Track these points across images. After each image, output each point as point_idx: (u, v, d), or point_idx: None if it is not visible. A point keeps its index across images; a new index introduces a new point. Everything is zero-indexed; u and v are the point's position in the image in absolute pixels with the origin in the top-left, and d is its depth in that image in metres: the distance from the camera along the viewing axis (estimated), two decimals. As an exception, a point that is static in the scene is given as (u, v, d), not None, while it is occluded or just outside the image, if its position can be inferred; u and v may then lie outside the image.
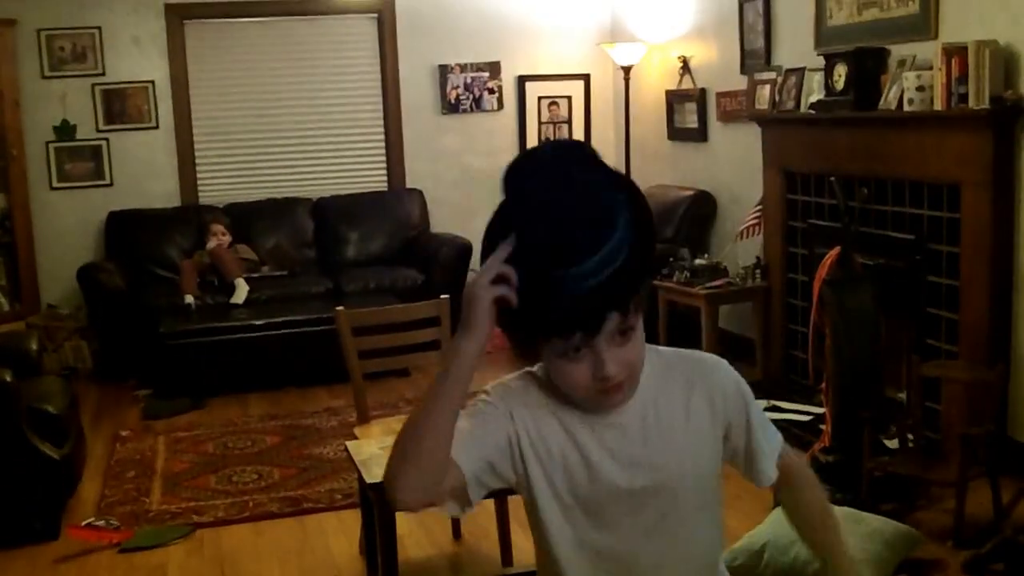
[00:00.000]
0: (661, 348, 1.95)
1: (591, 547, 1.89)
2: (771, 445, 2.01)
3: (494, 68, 8.62)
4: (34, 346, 5.47)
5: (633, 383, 1.84)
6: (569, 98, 8.77)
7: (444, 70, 8.53)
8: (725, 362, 1.97)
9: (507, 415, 1.85)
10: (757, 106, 6.66)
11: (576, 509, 1.87)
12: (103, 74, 7.94)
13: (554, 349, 1.79)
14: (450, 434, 1.74)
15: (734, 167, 7.21)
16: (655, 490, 1.88)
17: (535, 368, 1.91)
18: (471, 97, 8.62)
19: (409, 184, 8.54)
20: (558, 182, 1.74)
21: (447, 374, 1.74)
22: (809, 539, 2.15)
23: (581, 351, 1.76)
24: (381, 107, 8.53)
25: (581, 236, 1.70)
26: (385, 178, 8.60)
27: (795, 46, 6.42)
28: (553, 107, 8.75)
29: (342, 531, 4.61)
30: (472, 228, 8.43)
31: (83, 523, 4.78)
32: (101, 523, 4.77)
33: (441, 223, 8.42)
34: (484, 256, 1.76)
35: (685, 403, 1.90)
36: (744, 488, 4.78)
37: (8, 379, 4.54)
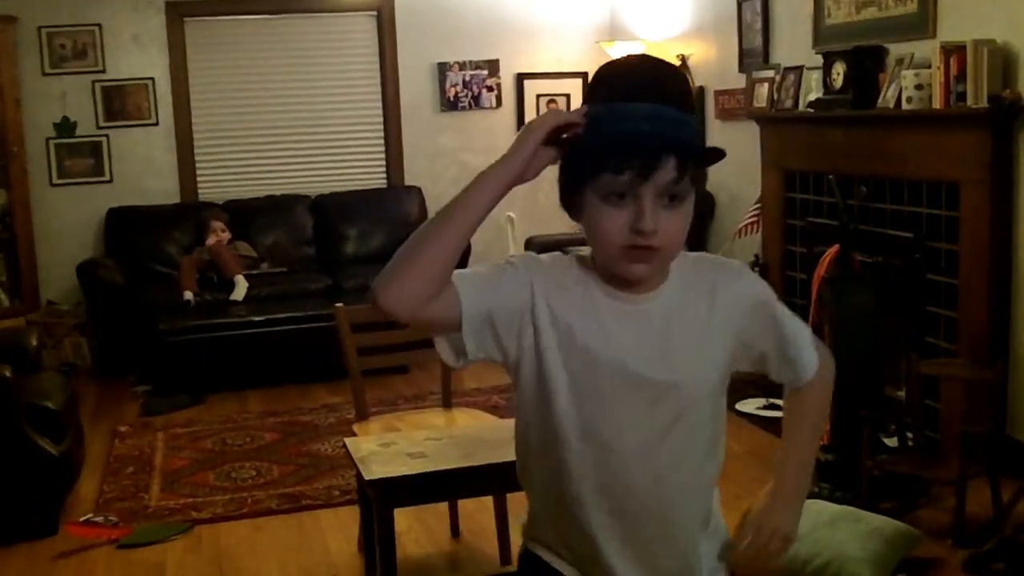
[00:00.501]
0: (687, 252, 1.93)
1: (596, 439, 1.84)
2: (804, 336, 2.00)
3: (493, 66, 8.62)
4: (34, 342, 5.47)
5: (664, 258, 1.82)
6: (568, 96, 8.76)
7: (443, 68, 8.53)
8: (747, 267, 2.00)
9: (527, 284, 1.82)
10: (755, 104, 6.66)
11: (589, 393, 1.82)
12: (103, 71, 7.94)
13: (599, 190, 1.77)
14: (454, 250, 1.73)
15: (732, 165, 7.17)
16: (673, 386, 1.84)
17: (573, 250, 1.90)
18: (470, 95, 8.62)
19: (408, 182, 8.54)
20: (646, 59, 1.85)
21: (468, 189, 1.77)
22: (787, 431, 2.12)
23: (626, 198, 1.75)
24: (380, 104, 8.53)
25: (658, 85, 1.75)
26: (384, 175, 8.60)
27: (793, 44, 6.42)
28: (552, 105, 8.74)
29: (340, 528, 4.62)
30: (471, 226, 8.45)
31: (81, 519, 4.78)
32: (100, 519, 4.78)
33: (440, 221, 8.41)
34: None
35: (710, 304, 1.89)
36: (744, 488, 4.82)
37: (7, 375, 4.54)
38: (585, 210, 1.81)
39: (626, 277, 1.81)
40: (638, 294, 1.84)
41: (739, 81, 6.99)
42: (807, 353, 2.01)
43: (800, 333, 2.00)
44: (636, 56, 1.87)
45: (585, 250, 1.88)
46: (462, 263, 1.78)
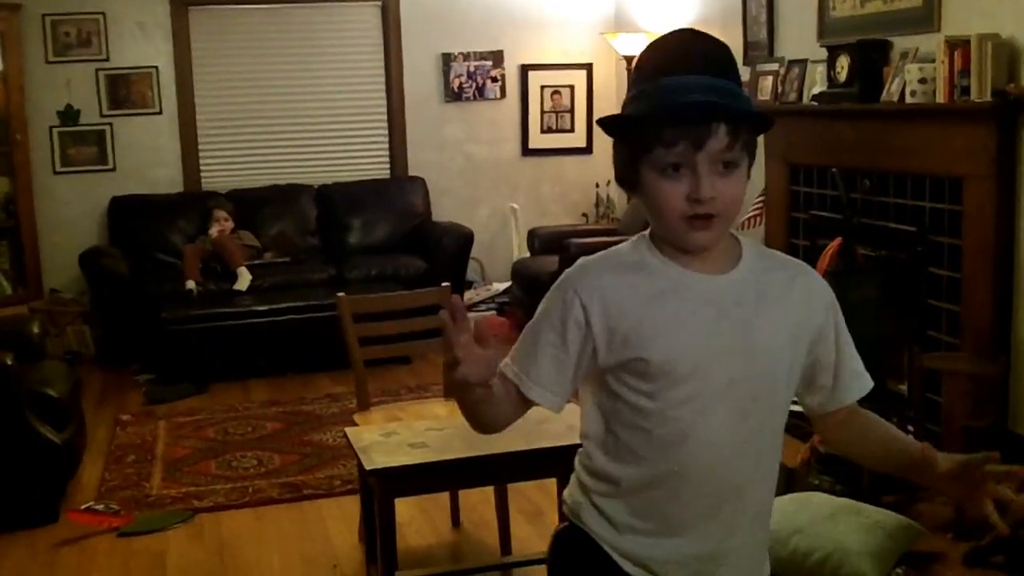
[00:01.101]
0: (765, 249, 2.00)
1: (675, 425, 1.84)
2: (858, 359, 2.00)
3: (497, 57, 8.61)
4: (36, 330, 5.47)
5: (724, 224, 1.82)
6: (572, 87, 8.76)
7: (447, 58, 8.53)
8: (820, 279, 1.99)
9: (583, 323, 1.85)
10: (760, 97, 6.64)
11: (662, 375, 1.82)
12: (107, 60, 7.94)
13: (655, 164, 1.79)
14: (489, 421, 1.92)
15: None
16: (754, 361, 1.85)
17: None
18: (474, 86, 8.61)
19: (412, 172, 8.54)
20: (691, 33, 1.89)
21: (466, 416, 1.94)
22: (885, 452, 2.07)
23: (681, 170, 1.78)
24: (384, 95, 8.52)
25: (701, 56, 1.80)
26: (388, 166, 8.60)
27: (798, 38, 6.41)
28: (556, 96, 8.74)
29: (342, 518, 4.62)
30: (475, 217, 8.46)
31: (83, 507, 4.79)
32: (101, 507, 4.79)
33: (444, 211, 8.42)
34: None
35: (788, 287, 1.90)
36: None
37: (10, 363, 4.55)
38: (643, 186, 1.83)
39: (691, 247, 1.83)
40: (711, 274, 1.86)
41: (743, 74, 6.97)
42: (864, 373, 2.02)
43: (856, 356, 2.01)
44: (680, 31, 1.89)
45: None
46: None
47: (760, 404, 1.87)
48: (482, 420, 1.91)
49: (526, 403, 1.90)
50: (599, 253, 1.90)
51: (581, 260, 1.90)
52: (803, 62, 6.22)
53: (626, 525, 1.90)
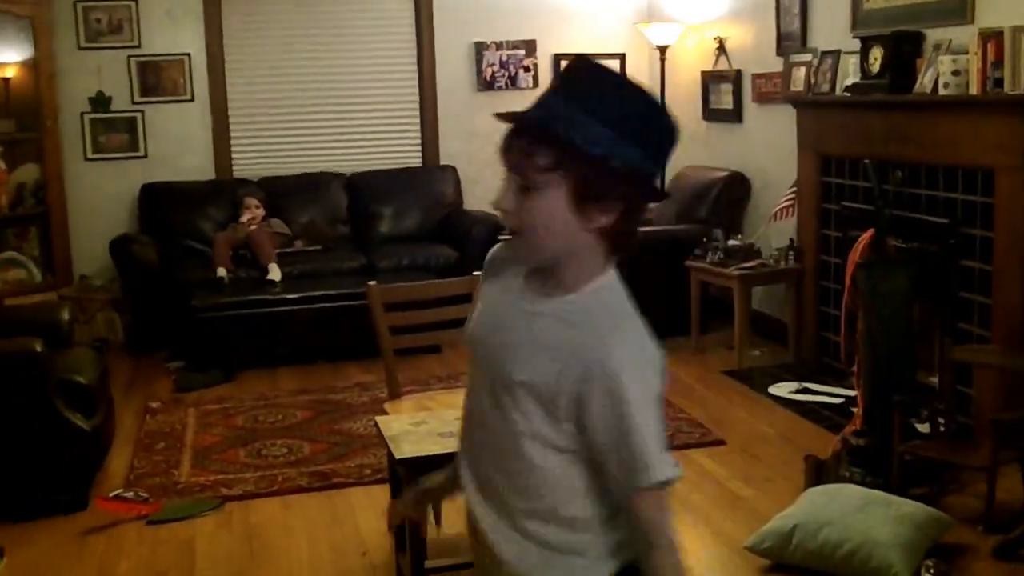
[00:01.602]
0: (623, 309, 2.00)
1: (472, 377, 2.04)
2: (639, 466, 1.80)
3: (530, 46, 8.59)
4: (66, 317, 5.46)
5: (527, 240, 1.86)
6: (604, 76, 8.71)
7: (480, 47, 8.51)
8: (632, 364, 1.84)
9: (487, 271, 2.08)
10: (792, 88, 6.62)
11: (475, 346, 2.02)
12: (139, 46, 7.97)
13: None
14: None
15: (769, 149, 7.16)
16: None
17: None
18: (506, 75, 8.59)
19: (443, 161, 8.53)
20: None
21: None
22: None
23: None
24: (417, 83, 8.52)
25: (571, 77, 1.90)
26: (419, 154, 8.59)
27: (831, 29, 6.37)
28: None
29: (370, 506, 4.63)
30: (505, 206, 8.43)
31: (112, 494, 4.80)
32: (130, 495, 4.80)
33: (475, 200, 8.40)
34: None
35: (572, 351, 1.83)
36: (774, 471, 4.80)
37: (39, 349, 4.57)
38: None
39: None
40: (539, 295, 1.92)
41: (776, 65, 6.93)
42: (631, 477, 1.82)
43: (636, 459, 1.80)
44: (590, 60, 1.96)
45: None
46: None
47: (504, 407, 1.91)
48: None
49: None
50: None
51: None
52: (836, 53, 6.17)
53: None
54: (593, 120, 1.78)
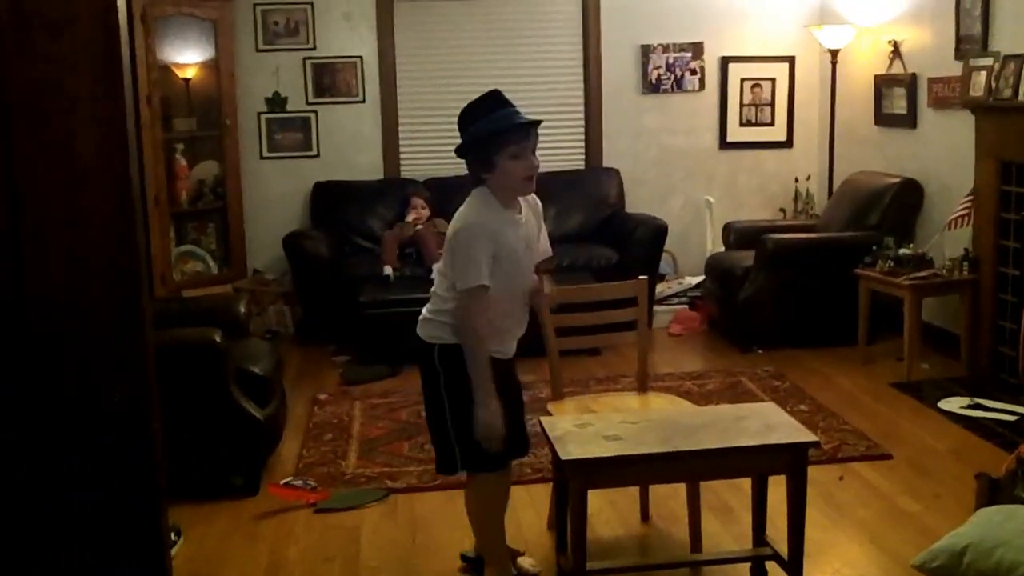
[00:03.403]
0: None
1: (509, 288, 3.72)
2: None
3: (697, 49, 8.53)
4: (243, 310, 5.64)
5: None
6: (773, 80, 8.61)
7: (646, 50, 8.49)
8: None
9: (491, 237, 3.61)
10: (972, 93, 6.42)
11: (514, 264, 3.70)
12: (314, 48, 8.18)
13: (508, 153, 3.57)
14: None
15: (944, 155, 6.97)
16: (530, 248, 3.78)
17: (476, 198, 3.70)
18: (672, 77, 8.55)
19: (606, 163, 8.53)
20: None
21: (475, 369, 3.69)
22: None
23: (520, 156, 3.58)
24: (582, 85, 8.54)
25: (512, 107, 3.66)
26: (583, 156, 8.61)
27: (1016, 31, 6.16)
28: (756, 89, 8.61)
29: (531, 504, 4.66)
30: (669, 208, 8.41)
31: (282, 482, 4.95)
32: (299, 483, 4.94)
33: (637, 203, 8.39)
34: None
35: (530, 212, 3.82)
36: (943, 487, 4.67)
37: (218, 340, 4.73)
38: (497, 170, 3.62)
39: (525, 194, 3.74)
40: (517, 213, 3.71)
41: (954, 68, 6.74)
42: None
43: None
44: (486, 95, 3.71)
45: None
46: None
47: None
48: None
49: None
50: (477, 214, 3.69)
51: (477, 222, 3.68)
52: (1020, 57, 5.97)
53: None
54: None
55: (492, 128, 3.57)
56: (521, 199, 3.75)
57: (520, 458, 4.14)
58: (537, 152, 3.64)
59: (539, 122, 3.65)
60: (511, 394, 3.89)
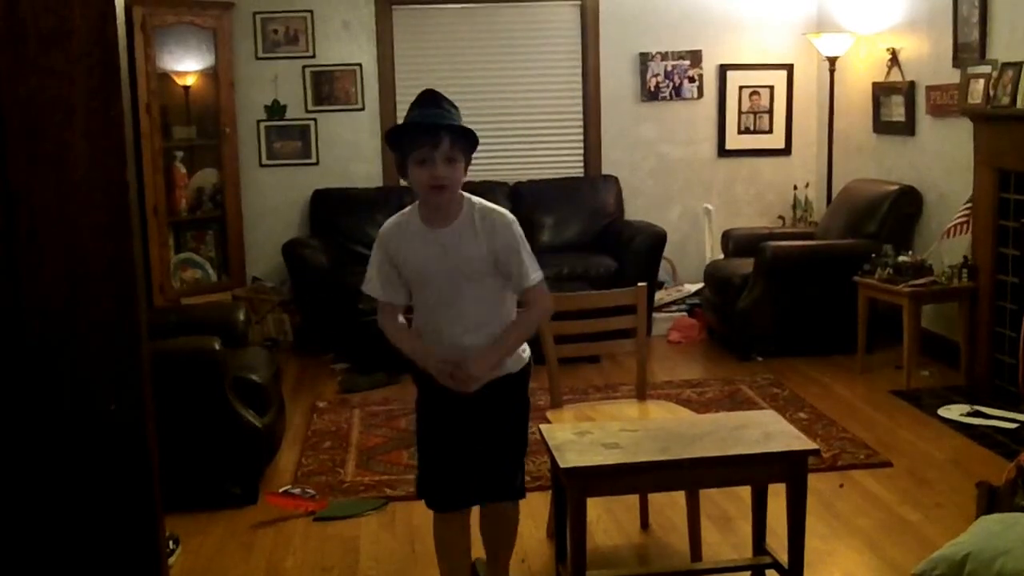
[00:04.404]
0: (479, 202, 3.42)
1: (425, 303, 3.50)
2: (528, 267, 3.42)
3: (695, 56, 8.53)
4: (241, 318, 5.64)
5: (451, 193, 3.31)
6: (771, 88, 8.62)
7: (645, 58, 8.49)
8: (509, 217, 3.43)
9: (388, 246, 3.49)
10: (970, 101, 6.42)
11: (420, 282, 3.46)
12: (313, 56, 8.20)
13: (415, 157, 3.26)
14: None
15: (943, 163, 6.97)
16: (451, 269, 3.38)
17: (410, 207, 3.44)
18: (671, 85, 8.56)
19: (605, 171, 8.54)
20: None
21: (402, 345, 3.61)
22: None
23: (426, 163, 3.25)
24: (580, 94, 8.55)
25: (436, 107, 3.32)
26: (582, 164, 8.61)
27: (1013, 40, 6.17)
28: (755, 97, 8.61)
29: (529, 514, 4.63)
30: (667, 217, 8.41)
31: (280, 490, 4.95)
32: (297, 491, 4.93)
33: (636, 211, 8.40)
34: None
35: (474, 235, 3.37)
36: (943, 496, 4.66)
37: (216, 348, 4.73)
38: (409, 175, 3.33)
39: (433, 209, 3.36)
40: (437, 207, 3.36)
41: (952, 76, 6.74)
42: (528, 275, 3.44)
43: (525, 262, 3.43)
44: (420, 94, 3.39)
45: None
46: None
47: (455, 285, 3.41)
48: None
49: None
50: (390, 225, 3.54)
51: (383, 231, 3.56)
52: (1018, 65, 5.97)
53: None
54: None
55: (398, 129, 3.35)
56: (476, 220, 3.36)
57: (474, 505, 3.72)
58: (466, 164, 3.35)
59: (454, 127, 3.28)
60: (463, 431, 3.56)
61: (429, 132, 3.24)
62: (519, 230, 3.42)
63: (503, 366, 3.50)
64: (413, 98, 3.36)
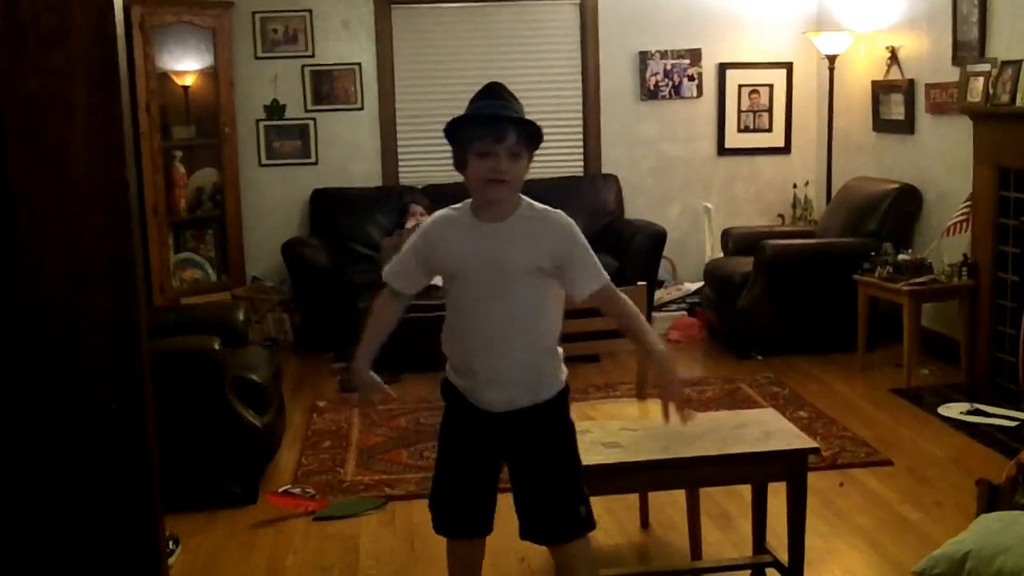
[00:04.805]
0: (537, 204, 3.19)
1: (460, 302, 3.23)
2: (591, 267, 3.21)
3: (695, 55, 8.53)
4: (241, 317, 5.63)
5: (510, 189, 3.07)
6: (771, 87, 8.62)
7: (644, 57, 8.49)
8: (567, 217, 3.22)
9: (429, 241, 3.23)
10: (970, 99, 6.41)
11: (459, 277, 3.18)
12: (312, 56, 8.20)
13: (476, 149, 3.01)
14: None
15: (942, 161, 6.97)
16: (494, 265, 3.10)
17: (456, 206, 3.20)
18: (670, 84, 8.56)
19: (604, 170, 8.54)
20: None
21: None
22: (625, 327, 3.29)
23: (489, 156, 3.00)
24: (580, 93, 8.55)
25: (499, 99, 3.10)
26: (581, 163, 8.61)
27: (1013, 38, 6.16)
28: (754, 95, 8.61)
29: (530, 512, 4.64)
30: (667, 215, 8.41)
31: (280, 490, 4.94)
32: (297, 491, 4.93)
33: (636, 209, 8.40)
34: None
35: (531, 232, 3.13)
36: (944, 494, 4.67)
37: (216, 347, 4.72)
38: (468, 167, 3.06)
39: (489, 202, 3.10)
40: (493, 202, 3.10)
41: (952, 74, 6.74)
42: (595, 276, 3.25)
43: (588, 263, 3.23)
44: (484, 86, 3.17)
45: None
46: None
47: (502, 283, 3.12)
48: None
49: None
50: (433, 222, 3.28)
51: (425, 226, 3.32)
52: (1017, 63, 5.97)
53: None
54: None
55: (460, 120, 3.07)
56: (532, 219, 3.14)
57: (486, 534, 3.46)
58: (528, 160, 3.11)
59: (520, 120, 3.04)
60: (489, 458, 3.32)
61: (494, 125, 3.01)
62: (580, 233, 3.23)
63: (535, 394, 3.22)
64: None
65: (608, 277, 3.22)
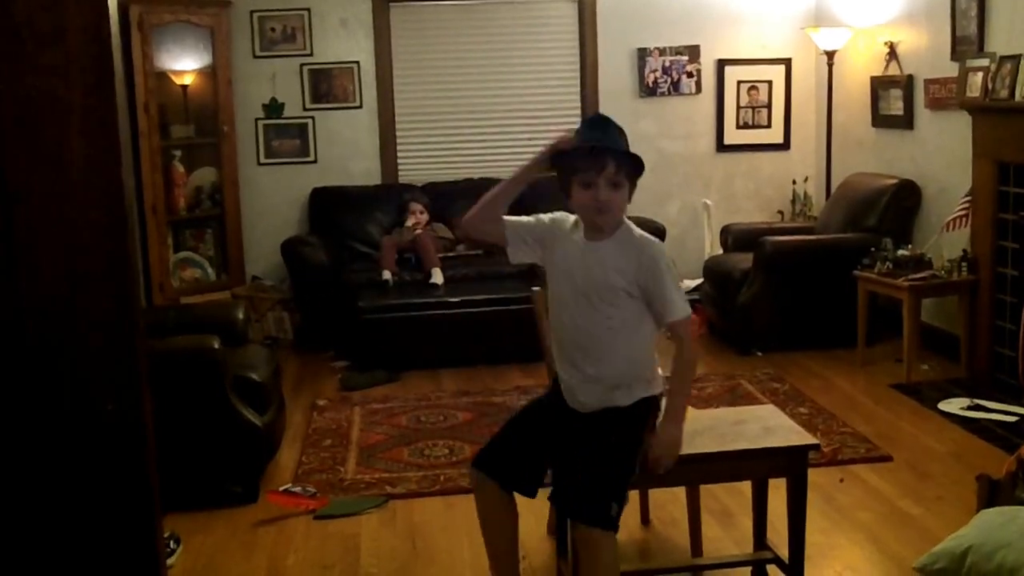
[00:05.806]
0: (638, 231, 3.38)
1: (560, 308, 3.43)
2: (674, 298, 3.34)
3: (693, 52, 8.53)
4: (241, 316, 5.62)
5: (613, 217, 3.31)
6: (769, 83, 8.61)
7: (643, 53, 8.49)
8: (659, 247, 3.39)
9: (552, 227, 3.46)
10: (968, 94, 6.41)
11: (560, 284, 3.42)
12: (311, 54, 8.20)
13: (579, 179, 3.27)
14: (502, 204, 3.49)
15: (941, 156, 6.97)
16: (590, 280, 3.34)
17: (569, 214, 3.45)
18: (669, 81, 8.55)
19: (604, 167, 8.52)
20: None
21: (512, 178, 3.50)
22: (671, 373, 3.45)
23: (591, 185, 3.25)
24: (579, 90, 8.54)
25: (603, 132, 3.35)
26: (581, 161, 8.59)
27: (1011, 32, 6.16)
28: (753, 92, 8.61)
29: (531, 511, 4.59)
30: (667, 212, 8.41)
31: (281, 489, 4.94)
32: (298, 490, 4.92)
33: (635, 207, 8.31)
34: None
35: (622, 256, 3.32)
36: (944, 489, 4.67)
37: (216, 346, 4.72)
38: (572, 193, 3.31)
39: (594, 226, 3.34)
40: (598, 228, 3.33)
41: (951, 69, 6.73)
42: (674, 305, 3.37)
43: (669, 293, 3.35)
44: (591, 117, 3.53)
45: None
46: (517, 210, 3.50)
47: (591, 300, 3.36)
48: (489, 202, 3.53)
49: (498, 228, 3.55)
50: (560, 218, 3.51)
51: (557, 217, 3.52)
52: (1016, 58, 5.97)
53: None
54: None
55: (566, 153, 3.31)
56: (627, 242, 3.34)
57: (519, 492, 3.56)
58: (631, 189, 3.32)
59: (620, 152, 3.28)
60: (552, 430, 3.47)
61: (594, 156, 3.25)
62: (668, 262, 3.36)
63: (611, 399, 3.38)
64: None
65: (680, 317, 3.35)
